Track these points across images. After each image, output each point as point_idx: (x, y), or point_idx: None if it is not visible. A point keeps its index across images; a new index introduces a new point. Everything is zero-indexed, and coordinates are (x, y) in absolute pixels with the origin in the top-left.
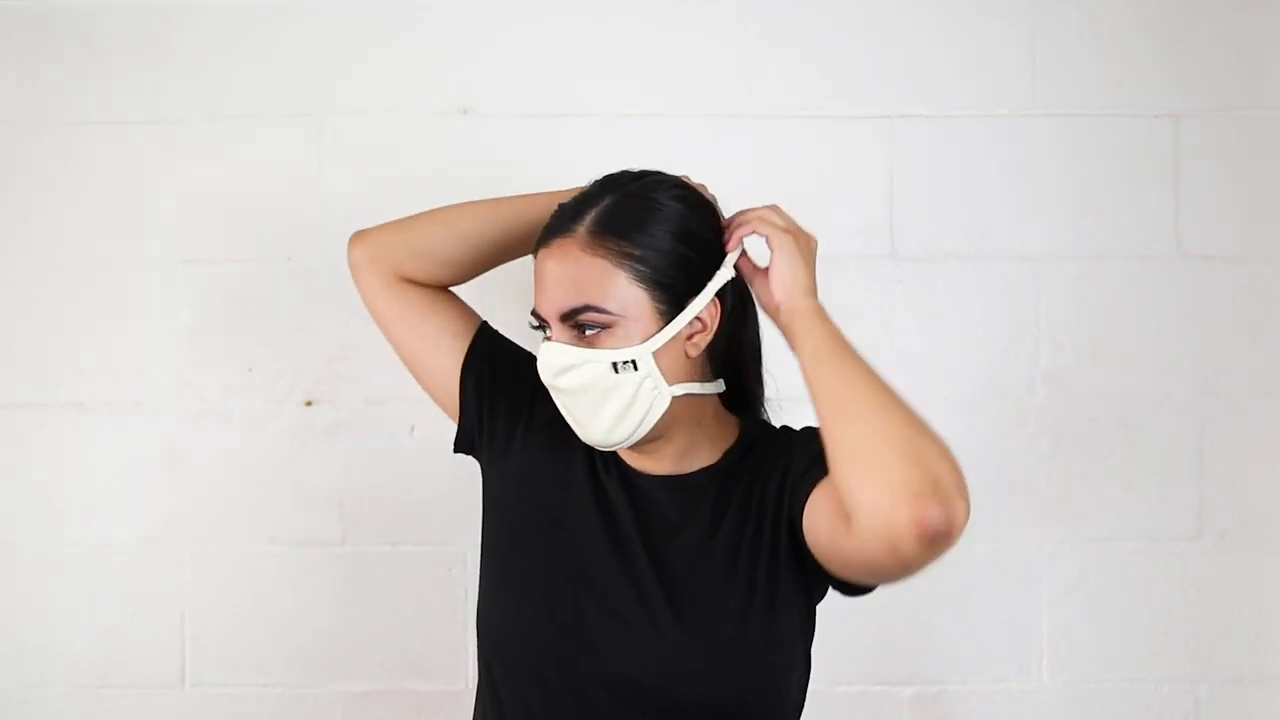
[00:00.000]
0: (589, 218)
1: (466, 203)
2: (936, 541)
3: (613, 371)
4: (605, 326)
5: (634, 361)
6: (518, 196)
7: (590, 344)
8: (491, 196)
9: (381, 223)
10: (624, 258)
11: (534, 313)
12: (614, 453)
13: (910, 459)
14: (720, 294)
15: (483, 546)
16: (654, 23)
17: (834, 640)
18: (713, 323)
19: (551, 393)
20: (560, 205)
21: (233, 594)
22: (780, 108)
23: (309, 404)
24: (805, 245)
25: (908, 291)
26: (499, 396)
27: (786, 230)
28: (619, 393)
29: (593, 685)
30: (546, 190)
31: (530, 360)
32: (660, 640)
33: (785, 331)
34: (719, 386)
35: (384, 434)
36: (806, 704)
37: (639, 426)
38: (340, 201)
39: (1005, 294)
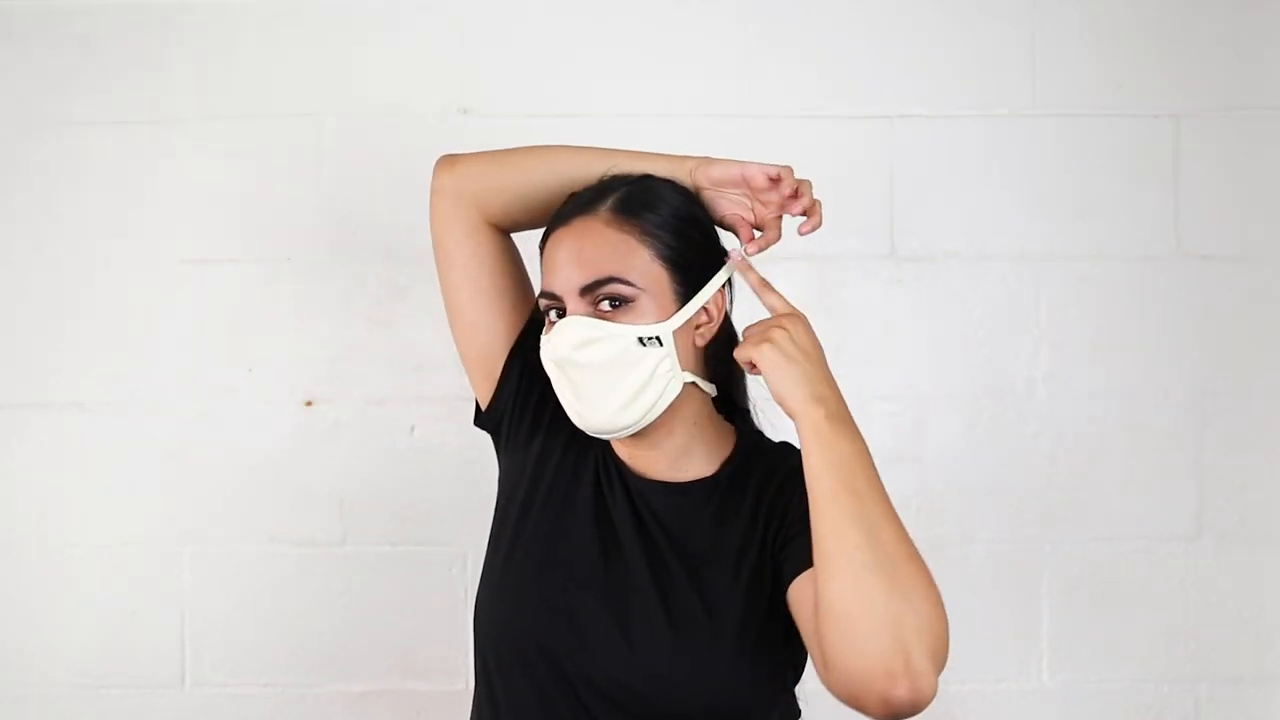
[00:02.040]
0: (610, 200)
1: (568, 145)
2: (900, 714)
3: (638, 345)
4: (627, 300)
5: (659, 337)
6: (633, 151)
7: (609, 320)
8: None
9: (473, 151)
10: (646, 234)
11: (546, 293)
12: (617, 464)
13: (886, 633)
14: (726, 287)
15: (488, 542)
16: (654, 23)
17: None
18: (719, 314)
19: (557, 372)
20: (573, 194)
21: (232, 594)
22: (780, 108)
23: (309, 404)
24: (788, 363)
25: (908, 291)
26: (535, 389)
27: (760, 357)
28: (638, 370)
29: (584, 687)
30: (662, 153)
31: None
32: (654, 647)
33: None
34: (713, 389)
35: (384, 434)
36: (806, 704)
37: (650, 410)
38: (340, 201)
39: (1005, 294)
